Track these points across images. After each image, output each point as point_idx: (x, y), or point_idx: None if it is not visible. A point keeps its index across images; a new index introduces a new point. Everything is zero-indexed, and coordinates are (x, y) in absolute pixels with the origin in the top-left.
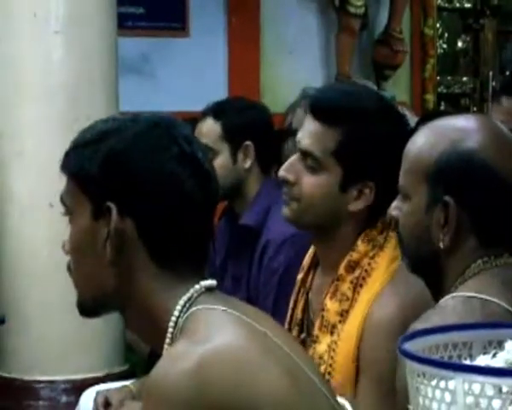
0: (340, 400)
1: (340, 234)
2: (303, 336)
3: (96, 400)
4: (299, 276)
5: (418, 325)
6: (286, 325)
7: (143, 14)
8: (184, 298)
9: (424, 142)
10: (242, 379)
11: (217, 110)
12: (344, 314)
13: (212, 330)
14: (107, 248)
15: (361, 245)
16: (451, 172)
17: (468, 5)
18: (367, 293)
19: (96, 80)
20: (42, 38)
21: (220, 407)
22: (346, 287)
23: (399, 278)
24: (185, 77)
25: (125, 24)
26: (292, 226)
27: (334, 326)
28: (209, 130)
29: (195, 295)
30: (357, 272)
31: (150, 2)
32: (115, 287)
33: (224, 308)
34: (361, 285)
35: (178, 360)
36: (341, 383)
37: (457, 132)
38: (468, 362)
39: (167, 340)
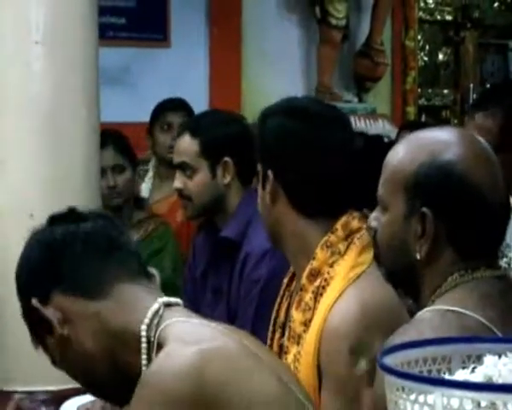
0: None
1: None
2: (282, 341)
3: None
4: (285, 279)
5: (396, 339)
6: (270, 328)
7: (125, 25)
8: (149, 316)
9: (404, 153)
10: (236, 376)
11: (194, 127)
12: (307, 324)
13: (198, 335)
14: None
15: (320, 252)
16: (430, 184)
17: (449, 17)
18: (325, 302)
19: (76, 91)
20: (22, 49)
21: (215, 402)
22: (308, 297)
23: (359, 284)
24: (166, 87)
25: (107, 34)
26: None
27: (299, 337)
28: (187, 147)
29: (161, 311)
30: (317, 281)
31: (131, 13)
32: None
33: (197, 321)
34: (321, 294)
35: (174, 358)
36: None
37: (437, 145)
38: (446, 376)
39: (143, 362)
